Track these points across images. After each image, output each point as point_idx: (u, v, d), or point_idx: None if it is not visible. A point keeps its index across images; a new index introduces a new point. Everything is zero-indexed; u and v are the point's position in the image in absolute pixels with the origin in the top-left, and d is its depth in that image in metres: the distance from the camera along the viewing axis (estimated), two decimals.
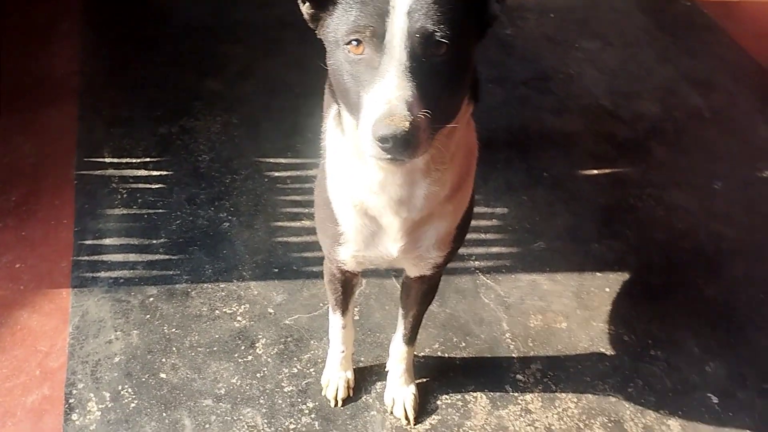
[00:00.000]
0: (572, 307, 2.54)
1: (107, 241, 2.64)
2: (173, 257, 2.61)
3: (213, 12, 3.74)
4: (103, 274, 2.53)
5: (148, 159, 2.97)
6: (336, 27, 1.35)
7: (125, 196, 2.81)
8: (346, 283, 1.95)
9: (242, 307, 2.46)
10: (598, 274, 2.65)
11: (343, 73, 1.33)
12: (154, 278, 2.54)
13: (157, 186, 2.86)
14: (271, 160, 3.01)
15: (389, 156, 1.23)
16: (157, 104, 3.22)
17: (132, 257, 2.60)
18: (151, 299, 2.46)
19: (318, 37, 1.45)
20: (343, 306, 2.04)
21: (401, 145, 1.20)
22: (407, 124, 1.19)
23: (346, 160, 1.59)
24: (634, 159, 3.15)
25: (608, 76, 3.58)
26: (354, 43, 1.30)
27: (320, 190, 1.75)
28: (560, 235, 2.78)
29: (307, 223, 2.75)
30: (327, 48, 1.41)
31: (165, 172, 2.92)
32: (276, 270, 2.59)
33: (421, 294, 1.96)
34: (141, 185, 2.86)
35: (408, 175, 1.46)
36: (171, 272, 2.56)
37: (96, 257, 2.58)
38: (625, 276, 2.65)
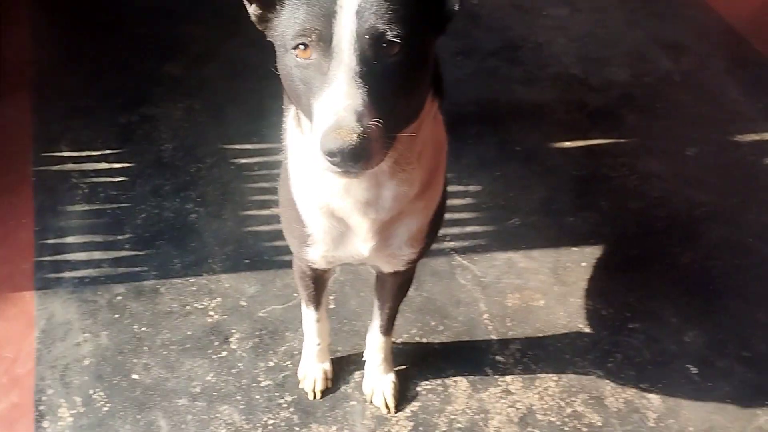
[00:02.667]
0: (549, 284, 2.51)
1: (70, 240, 2.56)
2: (140, 253, 2.53)
3: None
4: (67, 275, 2.45)
5: (108, 151, 2.87)
6: (283, 29, 1.27)
7: (86, 191, 2.72)
8: (318, 279, 1.90)
9: (214, 301, 2.40)
10: (573, 248, 2.62)
11: (294, 78, 1.26)
12: (121, 276, 2.46)
13: (119, 179, 2.77)
14: (237, 146, 2.92)
15: (339, 169, 1.16)
16: (116, 92, 3.11)
17: (97, 255, 2.52)
18: (119, 298, 2.39)
19: (268, 39, 1.38)
20: (316, 301, 1.99)
21: (350, 159, 1.12)
22: (355, 137, 1.10)
23: (308, 162, 1.52)
24: (606, 128, 3.11)
25: (577, 43, 3.52)
26: (301, 47, 1.21)
27: (284, 191, 1.69)
28: (535, 210, 2.75)
29: (276, 210, 2.64)
30: (276, 51, 1.32)
31: (127, 164, 2.83)
32: (247, 261, 2.52)
33: (396, 287, 1.92)
34: (102, 179, 2.77)
35: (373, 178, 1.40)
36: (138, 269, 2.49)
37: (59, 257, 2.50)
38: (600, 248, 2.63)
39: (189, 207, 2.69)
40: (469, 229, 2.68)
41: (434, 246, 2.56)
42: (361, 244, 1.59)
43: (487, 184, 2.83)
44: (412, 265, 1.77)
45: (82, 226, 2.60)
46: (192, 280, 2.46)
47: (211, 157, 2.87)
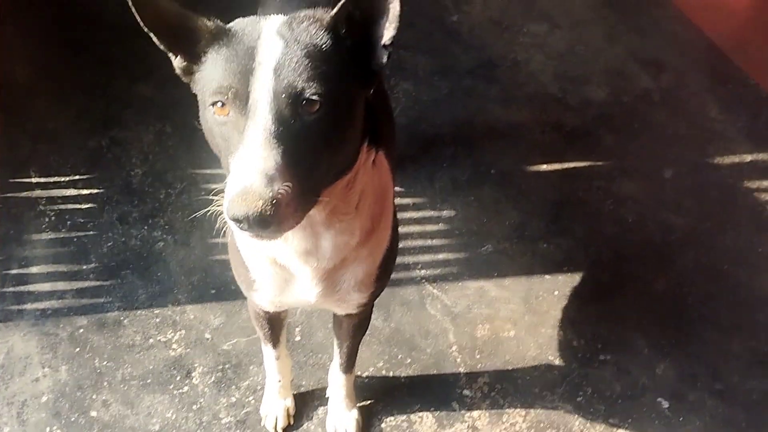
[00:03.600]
0: (520, 313, 2.47)
1: (34, 270, 2.52)
2: (104, 283, 2.49)
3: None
4: (29, 306, 2.41)
5: (77, 176, 2.82)
6: (203, 84, 1.22)
7: (53, 218, 2.67)
8: (273, 319, 1.86)
9: (178, 333, 2.36)
10: (546, 276, 2.58)
11: (214, 134, 1.22)
12: (84, 307, 2.42)
13: (87, 206, 2.73)
14: (208, 171, 2.88)
15: (250, 233, 1.12)
16: (86, 115, 3.06)
17: (60, 286, 2.48)
18: (81, 330, 2.35)
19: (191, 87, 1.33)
20: (274, 339, 1.95)
21: (258, 225, 1.07)
22: (260, 203, 1.05)
23: None
24: (583, 149, 3.07)
25: (555, 61, 3.47)
26: (219, 104, 1.16)
27: (230, 237, 1.64)
28: (508, 236, 2.70)
29: None
30: (199, 104, 1.27)
31: (95, 190, 2.78)
32: (213, 291, 2.48)
33: (352, 327, 1.88)
34: (70, 206, 2.72)
35: (309, 228, 1.36)
36: (102, 300, 2.45)
37: (22, 287, 2.46)
38: (573, 276, 2.59)
39: (156, 234, 2.64)
40: (441, 256, 2.64)
41: (405, 274, 2.55)
42: (307, 290, 1.55)
43: (461, 209, 2.79)
44: (365, 308, 1.72)
45: (47, 255, 2.56)
46: (156, 311, 2.42)
47: (181, 182, 2.83)
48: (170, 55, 1.29)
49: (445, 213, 2.78)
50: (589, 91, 3.34)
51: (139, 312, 2.42)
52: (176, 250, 2.60)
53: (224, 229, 1.61)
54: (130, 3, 1.18)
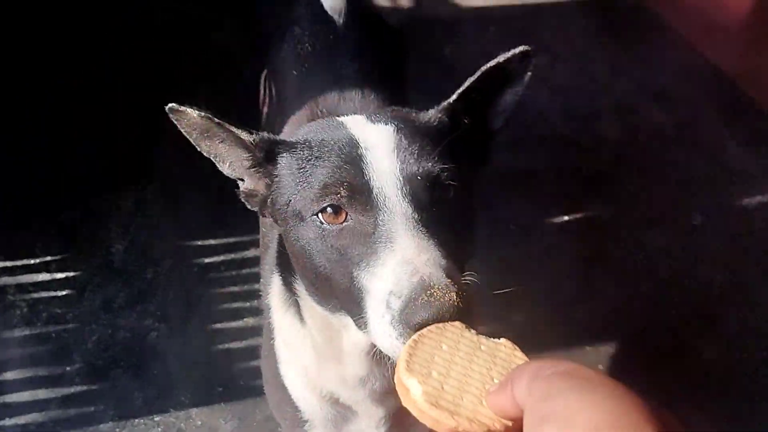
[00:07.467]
0: None
1: (9, 375, 2.19)
2: (93, 387, 2.18)
3: (113, 57, 3.21)
4: (7, 422, 2.08)
5: (49, 257, 2.49)
6: (291, 195, 1.02)
7: (25, 310, 2.34)
8: None
9: None
10: (587, 347, 2.36)
11: (317, 253, 0.98)
12: (72, 420, 2.10)
13: (63, 292, 2.40)
14: (199, 242, 2.57)
15: None
16: (55, 183, 2.71)
17: (42, 394, 2.15)
18: None
19: (261, 215, 1.08)
20: None
21: None
22: (453, 296, 0.84)
23: (306, 351, 1.22)
24: (604, 196, 2.86)
25: (561, 97, 3.26)
26: (329, 211, 0.96)
27: (270, 371, 1.39)
28: (539, 303, 2.46)
29: (250, 321, 2.35)
30: (281, 226, 1.07)
31: (72, 273, 2.45)
32: (220, 389, 2.19)
33: None
34: (44, 293, 2.39)
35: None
36: (92, 408, 2.13)
37: None
38: (616, 347, 2.37)
39: (148, 323, 2.33)
40: None
41: None
42: (373, 430, 1.32)
43: (484, 273, 2.53)
44: None
45: (23, 356, 2.23)
46: (157, 418, 2.12)
47: (169, 257, 2.51)
48: (238, 181, 1.15)
49: (468, 279, 2.52)
50: (601, 130, 3.14)
51: (137, 421, 2.11)
52: (172, 341, 2.29)
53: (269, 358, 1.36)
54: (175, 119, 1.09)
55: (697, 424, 2.04)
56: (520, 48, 1.12)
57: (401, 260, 0.88)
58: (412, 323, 0.84)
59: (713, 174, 2.96)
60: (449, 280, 0.86)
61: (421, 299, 0.84)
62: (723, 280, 2.58)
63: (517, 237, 2.67)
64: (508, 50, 1.08)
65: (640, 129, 3.16)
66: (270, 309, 1.34)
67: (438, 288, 0.85)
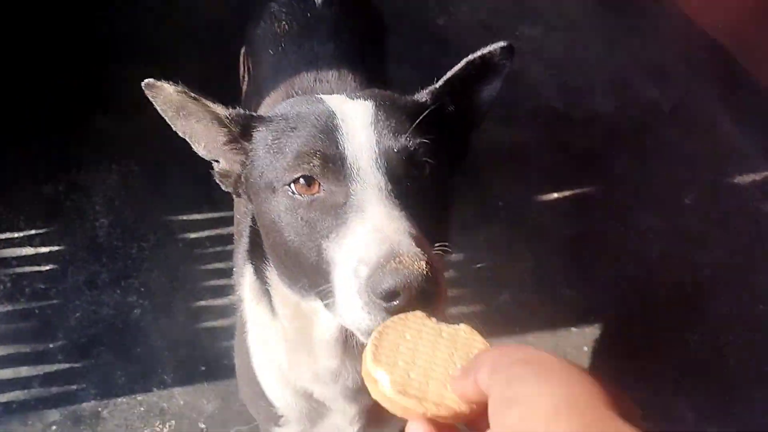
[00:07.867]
0: None
1: None
2: (76, 365, 2.17)
3: (93, 29, 3.14)
4: None
5: (33, 231, 2.46)
6: (264, 170, 1.02)
7: (8, 285, 2.32)
8: None
9: (167, 425, 2.07)
10: (573, 329, 2.36)
11: (288, 225, 0.97)
12: (54, 398, 2.09)
13: (47, 267, 2.38)
14: (184, 216, 2.54)
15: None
16: (38, 156, 2.66)
17: (25, 371, 2.15)
18: (54, 428, 2.03)
19: (236, 195, 1.13)
20: None
21: (419, 297, 0.82)
22: (423, 264, 0.82)
23: (278, 345, 1.21)
24: (595, 173, 2.83)
25: (555, 70, 3.21)
26: (301, 181, 0.95)
27: (243, 365, 1.38)
28: (526, 283, 2.46)
29: (235, 299, 2.32)
30: (254, 202, 1.07)
31: (56, 247, 2.43)
32: (203, 368, 2.18)
33: None
34: (27, 268, 2.37)
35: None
36: (75, 386, 2.12)
37: None
38: (602, 328, 2.37)
39: (132, 300, 2.32)
40: (453, 310, 2.38)
41: None
42: (347, 425, 1.32)
43: (470, 252, 2.53)
44: None
45: (6, 333, 2.22)
46: (140, 397, 2.12)
47: (154, 233, 2.49)
48: (213, 162, 1.14)
49: (454, 258, 2.51)
50: (595, 104, 3.10)
51: (119, 400, 2.10)
52: (156, 319, 2.28)
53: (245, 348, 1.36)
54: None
55: (684, 411, 2.04)
56: (502, 42, 1.14)
57: (371, 228, 0.87)
58: (378, 290, 0.82)
59: (706, 152, 2.93)
60: (419, 249, 0.84)
61: (390, 266, 0.82)
62: (712, 263, 2.57)
63: (505, 215, 2.65)
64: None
65: (634, 104, 3.12)
66: (242, 301, 1.32)
67: (407, 256, 0.83)
